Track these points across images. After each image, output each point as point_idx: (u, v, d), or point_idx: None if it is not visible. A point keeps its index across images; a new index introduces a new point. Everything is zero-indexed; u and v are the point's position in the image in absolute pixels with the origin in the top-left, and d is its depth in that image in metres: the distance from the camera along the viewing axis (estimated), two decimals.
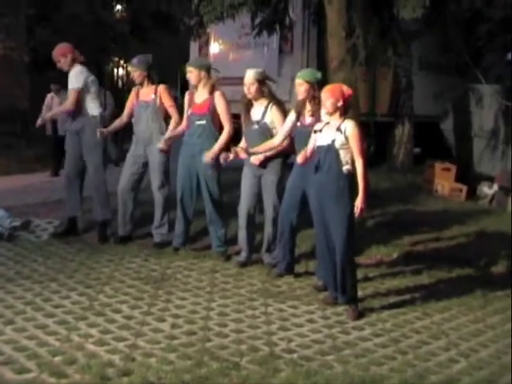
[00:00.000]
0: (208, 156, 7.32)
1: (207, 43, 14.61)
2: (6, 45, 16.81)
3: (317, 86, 6.63)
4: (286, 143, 6.96)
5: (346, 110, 5.97)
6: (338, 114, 5.92)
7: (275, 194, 7.14)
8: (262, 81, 7.14)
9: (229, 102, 7.55)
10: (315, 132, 6.08)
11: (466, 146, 12.50)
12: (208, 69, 7.59)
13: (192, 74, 7.56)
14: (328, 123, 5.99)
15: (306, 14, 12.91)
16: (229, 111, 7.49)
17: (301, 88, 6.72)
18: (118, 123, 8.19)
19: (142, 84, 7.97)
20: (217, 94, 7.49)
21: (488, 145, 12.03)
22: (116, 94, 17.51)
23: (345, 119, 5.93)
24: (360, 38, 9.94)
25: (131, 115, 8.08)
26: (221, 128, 7.52)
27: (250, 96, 7.17)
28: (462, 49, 14.44)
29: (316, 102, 6.60)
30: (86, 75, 8.00)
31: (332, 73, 10.00)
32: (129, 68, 7.44)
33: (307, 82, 6.69)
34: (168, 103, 7.89)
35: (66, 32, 16.89)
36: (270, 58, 13.46)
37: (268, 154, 7.03)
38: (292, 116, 6.83)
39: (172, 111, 7.90)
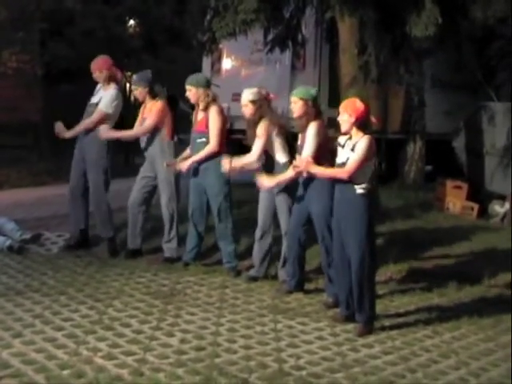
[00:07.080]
0: (184, 164, 7.43)
1: (219, 59, 14.61)
2: (19, 58, 16.89)
3: (311, 102, 6.60)
4: None
5: (363, 126, 5.86)
6: (354, 131, 5.85)
7: (288, 210, 7.11)
8: (255, 101, 7.05)
9: (225, 118, 7.54)
10: (339, 146, 6.02)
11: (477, 164, 12.43)
12: (206, 86, 7.52)
13: (190, 92, 7.49)
14: (350, 138, 5.92)
15: (319, 31, 12.93)
16: (218, 127, 7.39)
17: (295, 105, 6.62)
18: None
19: (143, 101, 7.96)
20: (211, 110, 7.43)
21: (500, 163, 11.95)
22: (128, 109, 17.54)
23: (363, 136, 5.84)
24: (372, 55, 9.95)
25: None
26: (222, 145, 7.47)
27: (247, 116, 7.14)
28: (474, 67, 14.42)
29: (307, 118, 6.57)
30: (118, 103, 8.04)
31: (344, 90, 10.03)
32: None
33: (301, 99, 6.60)
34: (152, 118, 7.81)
35: (79, 46, 16.97)
36: (283, 74, 13.47)
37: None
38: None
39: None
